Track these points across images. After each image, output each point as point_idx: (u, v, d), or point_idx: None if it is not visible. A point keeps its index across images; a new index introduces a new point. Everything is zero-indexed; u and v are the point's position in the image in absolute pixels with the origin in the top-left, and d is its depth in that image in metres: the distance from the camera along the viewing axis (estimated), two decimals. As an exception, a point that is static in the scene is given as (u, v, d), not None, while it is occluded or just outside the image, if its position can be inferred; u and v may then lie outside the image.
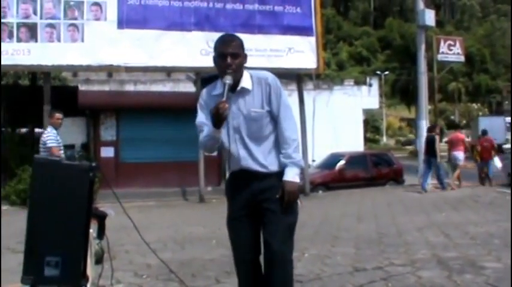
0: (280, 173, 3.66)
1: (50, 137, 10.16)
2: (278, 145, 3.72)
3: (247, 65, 3.78)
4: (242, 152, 3.72)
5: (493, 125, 48.77)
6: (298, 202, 3.75)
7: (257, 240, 3.78)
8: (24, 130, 20.20)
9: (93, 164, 3.80)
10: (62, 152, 10.22)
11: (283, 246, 3.66)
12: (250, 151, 3.70)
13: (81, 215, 3.75)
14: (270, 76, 3.74)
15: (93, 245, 4.35)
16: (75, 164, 3.78)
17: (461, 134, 18.26)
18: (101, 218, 4.42)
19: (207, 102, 3.80)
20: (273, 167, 3.69)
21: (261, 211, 3.70)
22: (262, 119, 3.68)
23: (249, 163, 3.71)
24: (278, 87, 3.70)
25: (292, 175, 3.64)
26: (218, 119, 3.51)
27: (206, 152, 3.84)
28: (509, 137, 48.61)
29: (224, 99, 3.50)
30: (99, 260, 4.65)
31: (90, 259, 4.15)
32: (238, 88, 3.69)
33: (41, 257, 3.67)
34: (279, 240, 3.65)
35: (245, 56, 3.75)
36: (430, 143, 16.24)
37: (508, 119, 73.36)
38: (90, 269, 4.13)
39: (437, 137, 16.29)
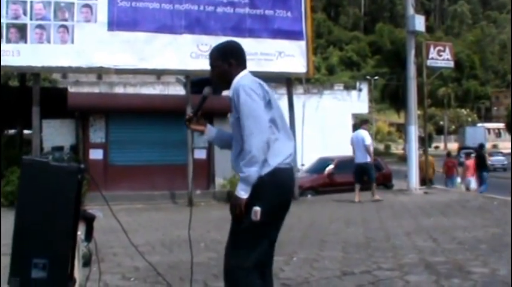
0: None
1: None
2: None
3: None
4: (231, 156, 3.80)
5: (476, 133, 59.63)
6: (252, 213, 3.57)
7: None
8: (12, 131, 20.09)
9: (82, 166, 3.79)
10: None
11: (228, 255, 3.68)
12: (236, 156, 3.73)
13: (69, 217, 3.74)
14: (235, 86, 3.71)
15: (81, 247, 4.33)
16: (63, 166, 3.76)
17: (473, 161, 21.12)
18: (89, 220, 4.41)
19: None
20: None
21: None
22: (238, 126, 3.67)
23: (233, 166, 3.79)
24: (237, 96, 3.63)
25: (237, 189, 3.59)
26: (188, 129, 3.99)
27: None
28: (487, 143, 57.04)
29: (196, 109, 3.87)
30: (86, 263, 4.63)
31: (78, 262, 4.14)
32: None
33: (28, 259, 3.65)
34: (227, 247, 3.72)
35: (227, 65, 3.80)
36: (481, 159, 19.02)
37: (488, 125, 76.68)
38: (78, 272, 4.11)
39: (487, 155, 19.35)
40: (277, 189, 3.66)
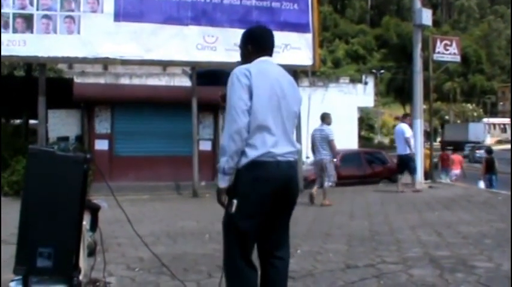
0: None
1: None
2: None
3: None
4: None
5: (476, 128, 64.02)
6: (233, 203, 3.62)
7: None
8: (18, 121, 20.12)
9: (88, 156, 3.81)
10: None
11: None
12: None
13: (74, 207, 3.75)
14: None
15: (86, 237, 4.35)
16: (69, 156, 3.78)
17: (458, 156, 23.07)
18: (94, 210, 4.43)
19: None
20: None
21: None
22: None
23: None
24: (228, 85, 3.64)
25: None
26: None
27: None
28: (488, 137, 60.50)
29: None
30: (91, 253, 4.66)
31: (83, 251, 4.16)
32: None
33: (34, 248, 3.67)
34: None
35: (246, 50, 3.89)
36: (490, 164, 19.49)
37: (493, 120, 77.93)
38: (83, 261, 4.13)
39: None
40: (254, 182, 3.56)
